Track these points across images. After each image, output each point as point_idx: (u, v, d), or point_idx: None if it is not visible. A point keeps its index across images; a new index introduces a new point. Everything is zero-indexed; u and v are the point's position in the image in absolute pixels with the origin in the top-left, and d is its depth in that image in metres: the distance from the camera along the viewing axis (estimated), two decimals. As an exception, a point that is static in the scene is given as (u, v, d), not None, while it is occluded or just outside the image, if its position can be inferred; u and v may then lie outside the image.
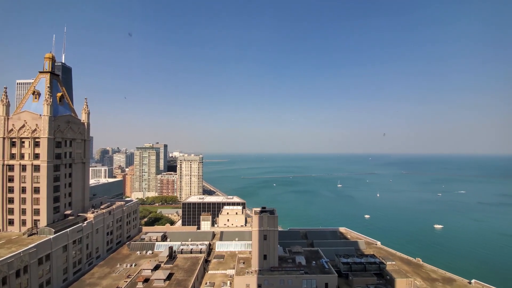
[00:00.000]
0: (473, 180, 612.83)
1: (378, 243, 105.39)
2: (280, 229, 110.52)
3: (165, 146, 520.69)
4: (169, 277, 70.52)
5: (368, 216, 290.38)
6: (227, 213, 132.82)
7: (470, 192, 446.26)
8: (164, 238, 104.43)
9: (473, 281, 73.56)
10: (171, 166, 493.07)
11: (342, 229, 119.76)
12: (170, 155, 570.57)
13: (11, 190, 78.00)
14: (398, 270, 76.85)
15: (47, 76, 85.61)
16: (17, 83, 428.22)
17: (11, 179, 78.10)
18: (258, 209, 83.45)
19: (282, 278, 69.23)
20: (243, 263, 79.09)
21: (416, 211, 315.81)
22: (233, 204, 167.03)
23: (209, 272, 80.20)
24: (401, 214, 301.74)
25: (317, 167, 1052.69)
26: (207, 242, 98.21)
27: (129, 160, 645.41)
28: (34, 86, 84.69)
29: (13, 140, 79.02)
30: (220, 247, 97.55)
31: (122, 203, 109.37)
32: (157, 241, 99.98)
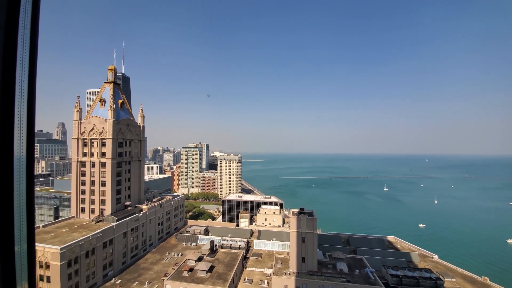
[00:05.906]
0: None
1: (435, 256, 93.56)
2: (319, 232, 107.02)
3: (207, 145, 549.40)
4: (211, 269, 74.49)
5: (423, 225, 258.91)
6: (265, 212, 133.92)
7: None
8: (206, 232, 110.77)
9: None
10: (212, 165, 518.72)
11: (390, 238, 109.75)
12: (212, 154, 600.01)
13: (83, 183, 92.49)
14: (460, 289, 67.15)
15: (111, 85, 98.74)
16: (87, 92, 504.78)
17: (83, 174, 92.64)
18: (296, 210, 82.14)
19: (322, 283, 66.86)
20: (281, 263, 78.86)
21: (484, 222, 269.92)
22: (271, 203, 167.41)
23: (247, 268, 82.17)
24: (464, 225, 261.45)
25: (358, 168, 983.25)
26: (245, 239, 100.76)
27: (176, 158, 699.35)
28: (101, 95, 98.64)
29: (85, 140, 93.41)
30: (258, 245, 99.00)
31: (171, 197, 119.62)
32: (200, 234, 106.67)
